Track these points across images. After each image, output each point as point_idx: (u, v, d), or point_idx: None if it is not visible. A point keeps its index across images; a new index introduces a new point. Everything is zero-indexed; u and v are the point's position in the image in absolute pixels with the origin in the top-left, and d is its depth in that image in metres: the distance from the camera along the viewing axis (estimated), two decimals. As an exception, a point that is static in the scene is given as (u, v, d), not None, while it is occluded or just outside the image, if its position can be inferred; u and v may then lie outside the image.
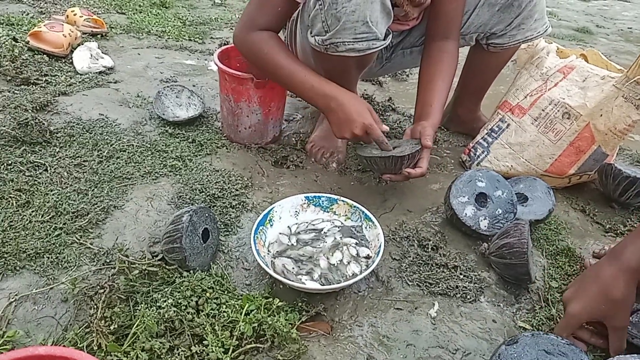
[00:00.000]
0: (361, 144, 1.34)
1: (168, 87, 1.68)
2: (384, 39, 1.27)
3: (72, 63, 1.95)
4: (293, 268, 1.08)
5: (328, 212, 1.24)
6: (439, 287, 1.12)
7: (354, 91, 1.68)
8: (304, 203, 1.24)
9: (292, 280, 1.03)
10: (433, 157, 1.67)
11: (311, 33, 1.27)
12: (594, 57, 1.55)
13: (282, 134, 1.67)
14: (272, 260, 1.10)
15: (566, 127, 1.43)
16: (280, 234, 1.16)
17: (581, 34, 3.66)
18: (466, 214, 1.26)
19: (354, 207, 1.22)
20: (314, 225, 1.21)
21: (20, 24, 2.24)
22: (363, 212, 1.20)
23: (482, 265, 1.22)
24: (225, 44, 2.50)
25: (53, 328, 0.93)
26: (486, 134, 1.60)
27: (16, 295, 0.96)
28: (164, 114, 1.61)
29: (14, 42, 1.90)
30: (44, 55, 1.92)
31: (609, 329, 0.93)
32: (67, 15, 2.42)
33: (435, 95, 1.38)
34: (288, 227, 1.20)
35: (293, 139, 1.65)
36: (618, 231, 1.42)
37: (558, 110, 1.44)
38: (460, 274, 1.16)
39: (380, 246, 1.10)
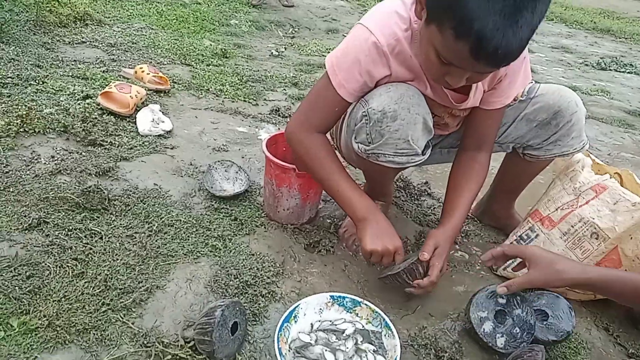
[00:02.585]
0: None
1: (219, 162, 1.81)
2: (423, 153, 1.37)
3: (135, 123, 2.12)
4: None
5: (351, 313, 1.32)
6: (448, 404, 1.16)
7: (389, 187, 1.77)
8: (329, 302, 1.32)
9: None
10: (461, 255, 1.72)
11: (355, 139, 1.38)
12: (628, 177, 1.58)
13: (318, 214, 1.77)
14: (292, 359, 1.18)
15: (594, 247, 1.46)
16: (300, 332, 1.24)
17: (632, 118, 3.62)
18: (484, 329, 1.31)
19: (376, 312, 1.29)
20: (335, 325, 1.28)
21: (94, 79, 2.47)
22: (384, 319, 1.26)
23: (495, 382, 1.26)
24: (276, 110, 2.65)
25: (90, 406, 1.03)
26: (515, 240, 1.64)
27: (63, 370, 1.07)
28: (212, 187, 1.74)
29: (84, 103, 2.09)
30: (111, 115, 2.10)
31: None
32: (136, 71, 2.64)
33: (457, 205, 1.46)
34: (311, 324, 1.28)
35: (327, 221, 1.74)
36: (641, 356, 1.42)
37: (587, 229, 1.47)
38: (472, 392, 1.20)
39: (395, 359, 1.16)
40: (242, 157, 2.05)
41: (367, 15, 1.30)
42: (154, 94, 2.52)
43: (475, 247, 1.78)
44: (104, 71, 2.65)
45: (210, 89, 2.78)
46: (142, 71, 2.62)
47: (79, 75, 2.48)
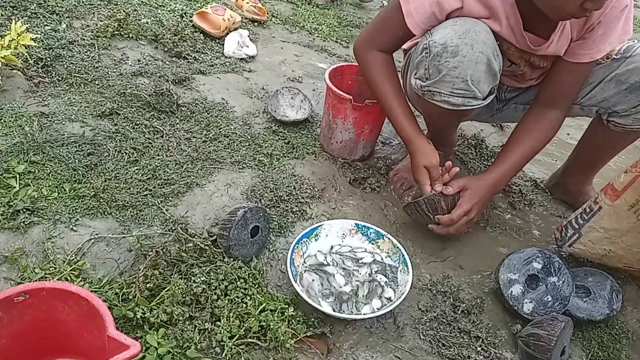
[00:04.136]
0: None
1: (286, 88, 1.84)
2: (484, 99, 1.27)
3: (223, 44, 2.21)
4: (318, 285, 1.17)
5: (372, 244, 1.30)
6: (450, 350, 1.12)
7: (451, 136, 1.69)
8: (353, 229, 1.31)
9: (310, 297, 1.12)
10: (517, 219, 1.61)
11: (415, 75, 1.32)
12: None
13: (373, 154, 1.74)
14: (302, 272, 1.20)
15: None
16: (318, 251, 1.26)
17: None
18: (512, 292, 1.23)
19: (397, 247, 1.26)
20: (355, 252, 1.27)
21: (196, 0, 2.58)
22: (403, 255, 1.23)
23: (510, 345, 1.19)
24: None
25: (112, 269, 1.14)
26: (579, 214, 1.48)
27: (97, 234, 1.19)
28: (275, 111, 1.77)
29: (180, 19, 2.21)
30: (202, 34, 2.20)
31: None
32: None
33: (507, 158, 1.38)
34: (331, 245, 1.29)
35: (380, 162, 1.71)
36: (696, 363, 1.25)
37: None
38: (480, 346, 1.15)
39: (403, 294, 1.13)
40: (313, 90, 2.05)
41: None
42: (250, 22, 2.58)
43: (535, 216, 1.65)
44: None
45: (306, 27, 2.79)
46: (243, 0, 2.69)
47: (184, -6, 2.61)
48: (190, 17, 2.30)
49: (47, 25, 1.89)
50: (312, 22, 2.89)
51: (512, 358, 1.16)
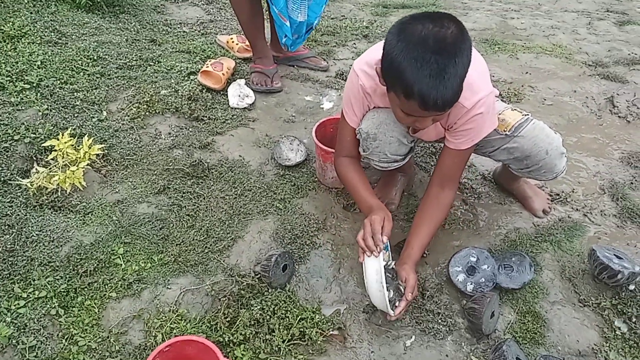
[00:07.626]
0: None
1: (285, 136, 2.41)
2: (404, 159, 1.87)
3: (227, 96, 2.75)
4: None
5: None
6: (421, 326, 1.77)
7: (406, 166, 2.25)
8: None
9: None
10: (467, 213, 2.21)
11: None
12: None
13: (358, 179, 2.33)
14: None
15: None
16: None
17: None
18: (458, 279, 1.85)
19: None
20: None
21: (195, 52, 3.09)
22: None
23: (461, 314, 1.83)
24: (341, 74, 3.12)
25: (200, 310, 1.78)
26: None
27: (184, 288, 1.82)
28: (279, 158, 2.35)
29: (189, 84, 2.74)
30: (208, 92, 2.74)
31: None
32: (227, 41, 3.22)
33: (417, 240, 1.81)
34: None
35: (365, 185, 2.30)
36: (590, 302, 1.88)
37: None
38: (440, 319, 1.79)
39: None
40: (305, 128, 2.62)
41: (361, 61, 1.71)
42: (242, 61, 3.10)
43: (481, 208, 2.25)
44: (202, 35, 3.30)
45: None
46: (232, 41, 3.19)
47: (183, 50, 3.11)
48: (196, 75, 2.82)
49: (92, 117, 2.45)
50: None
51: (462, 322, 1.80)
